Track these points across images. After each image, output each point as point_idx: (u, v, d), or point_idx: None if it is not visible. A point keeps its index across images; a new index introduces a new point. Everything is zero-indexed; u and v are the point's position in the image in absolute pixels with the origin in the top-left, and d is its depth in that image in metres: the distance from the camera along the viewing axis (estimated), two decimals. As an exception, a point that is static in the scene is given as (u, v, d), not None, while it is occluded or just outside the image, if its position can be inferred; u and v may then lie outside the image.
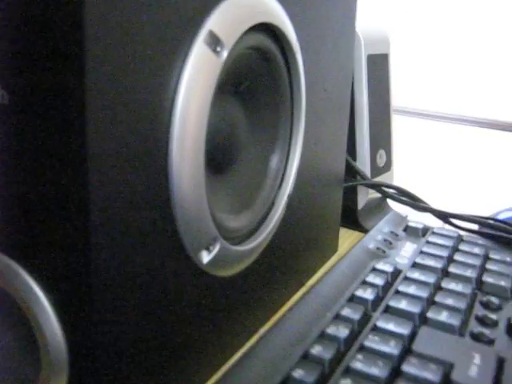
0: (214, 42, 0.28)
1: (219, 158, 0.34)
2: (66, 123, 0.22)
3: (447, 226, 0.58)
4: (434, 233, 0.51)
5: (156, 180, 0.27)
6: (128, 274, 0.26)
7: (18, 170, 0.24)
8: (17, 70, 0.23)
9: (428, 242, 0.49)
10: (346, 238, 0.60)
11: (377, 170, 0.63)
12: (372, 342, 0.33)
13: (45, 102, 0.23)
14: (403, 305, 0.37)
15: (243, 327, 0.38)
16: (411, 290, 0.40)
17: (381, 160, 0.63)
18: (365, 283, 0.40)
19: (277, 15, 0.33)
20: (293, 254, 0.44)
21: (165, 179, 0.27)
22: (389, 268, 0.43)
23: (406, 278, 0.42)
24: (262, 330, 0.41)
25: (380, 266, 0.43)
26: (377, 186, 0.59)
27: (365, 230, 0.61)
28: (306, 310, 0.37)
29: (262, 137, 0.38)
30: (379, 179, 0.63)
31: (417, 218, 0.61)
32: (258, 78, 0.35)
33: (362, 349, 0.33)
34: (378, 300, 0.39)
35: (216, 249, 0.31)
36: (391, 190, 0.59)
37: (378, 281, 0.41)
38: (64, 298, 0.25)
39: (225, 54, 0.29)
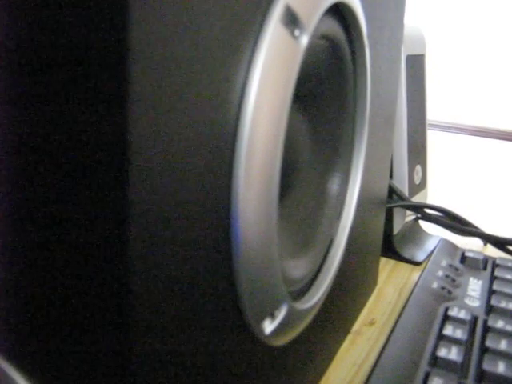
0: (292, 22, 0.19)
1: (281, 182, 0.25)
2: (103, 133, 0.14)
3: (502, 254, 0.50)
4: (498, 265, 0.43)
5: (215, 217, 0.18)
6: (175, 361, 0.17)
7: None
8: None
9: (496, 278, 0.41)
10: (381, 268, 0.52)
11: (413, 189, 0.55)
12: (486, 431, 0.25)
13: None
14: (501, 369, 0.29)
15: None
16: (503, 346, 0.31)
17: (417, 177, 0.55)
18: (444, 338, 0.32)
19: (351, -5, 0.25)
20: (347, 298, 0.35)
21: (226, 218, 0.18)
22: (465, 315, 0.34)
23: (490, 330, 0.33)
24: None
25: (454, 312, 0.35)
26: (419, 208, 0.50)
27: (401, 258, 0.53)
28: (387, 381, 0.28)
29: (319, 154, 0.29)
30: (415, 199, 0.55)
31: (456, 242, 0.53)
32: (322, 78, 0.27)
33: None
34: (466, 361, 0.31)
35: (282, 314, 0.22)
36: (435, 213, 0.51)
37: (460, 334, 0.32)
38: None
39: (304, 40, 0.20)
